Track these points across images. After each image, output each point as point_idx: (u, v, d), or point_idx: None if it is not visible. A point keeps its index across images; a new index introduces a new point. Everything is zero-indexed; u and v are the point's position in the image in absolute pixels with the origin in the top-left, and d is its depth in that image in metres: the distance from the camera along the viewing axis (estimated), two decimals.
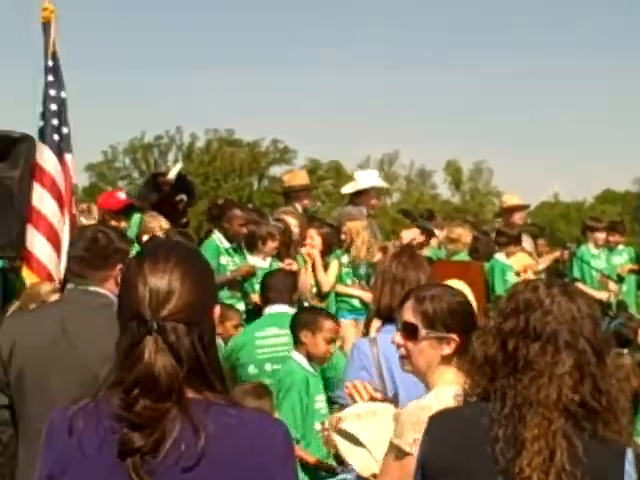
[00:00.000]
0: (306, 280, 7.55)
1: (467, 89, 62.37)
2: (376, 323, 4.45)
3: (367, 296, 7.60)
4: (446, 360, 3.06)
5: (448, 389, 2.83)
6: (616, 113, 63.44)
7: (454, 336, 3.07)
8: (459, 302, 3.16)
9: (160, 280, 1.98)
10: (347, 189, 9.45)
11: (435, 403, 2.81)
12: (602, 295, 9.64)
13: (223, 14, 66.13)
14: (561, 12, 63.85)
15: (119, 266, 3.73)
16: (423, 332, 3.07)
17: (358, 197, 8.98)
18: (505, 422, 2.23)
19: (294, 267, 7.43)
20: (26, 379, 3.50)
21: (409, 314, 3.12)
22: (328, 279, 7.77)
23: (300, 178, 9.29)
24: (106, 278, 3.73)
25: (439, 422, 2.36)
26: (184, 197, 8.18)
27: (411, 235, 8.86)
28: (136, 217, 7.59)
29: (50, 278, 6.05)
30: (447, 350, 3.06)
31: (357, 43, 65.62)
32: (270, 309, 6.05)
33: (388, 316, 4.00)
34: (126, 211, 7.42)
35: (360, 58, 63.94)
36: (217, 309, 2.09)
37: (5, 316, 4.75)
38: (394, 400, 3.61)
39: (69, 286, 3.97)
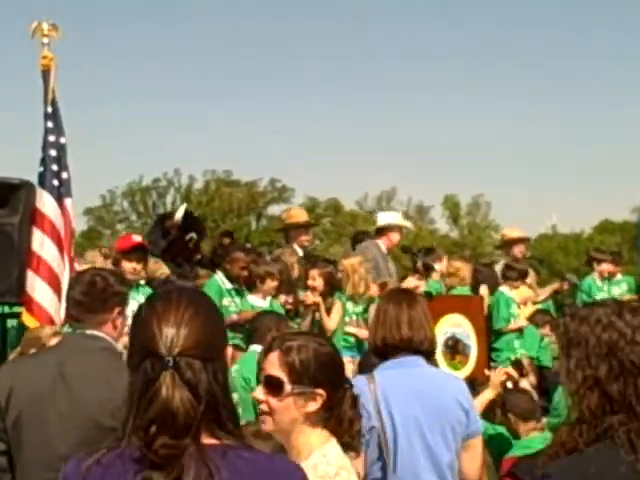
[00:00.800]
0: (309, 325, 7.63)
1: (464, 123, 62.78)
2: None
3: (363, 334, 7.64)
4: (310, 418, 2.79)
5: (332, 447, 2.72)
6: (613, 143, 63.77)
7: (321, 391, 2.78)
8: (327, 353, 2.86)
9: (173, 321, 2.02)
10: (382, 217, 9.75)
11: (323, 460, 2.70)
12: None
13: (223, 55, 66.65)
14: (555, 40, 64.31)
15: (117, 309, 3.77)
16: (288, 387, 2.76)
17: (380, 236, 9.23)
18: None
19: (309, 301, 7.55)
20: (24, 425, 3.49)
21: (273, 367, 2.80)
22: (332, 322, 7.77)
23: (300, 215, 9.37)
24: (104, 321, 3.75)
25: None
26: (194, 235, 8.25)
27: (414, 284, 8.86)
28: None
29: (52, 322, 6.07)
30: (313, 407, 2.78)
31: (353, 78, 66.02)
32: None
33: (380, 350, 4.02)
34: (137, 251, 7.45)
35: (355, 92, 64.42)
36: (229, 349, 2.12)
37: (5, 362, 4.76)
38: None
39: (67, 330, 4.00)
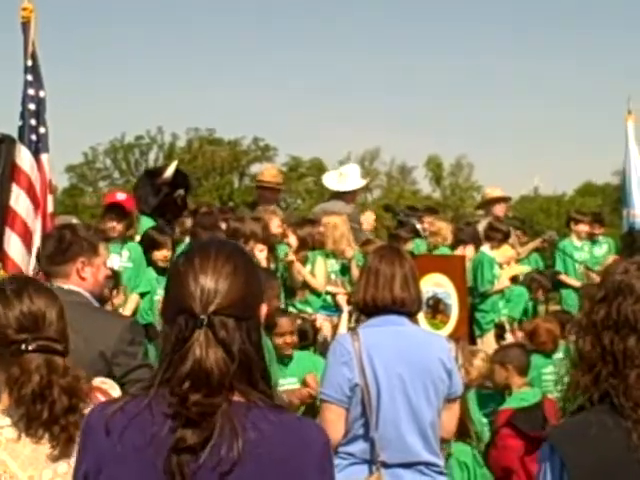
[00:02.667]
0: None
1: (448, 83, 62.61)
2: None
3: (341, 294, 7.65)
4: None
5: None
6: (596, 106, 63.78)
7: None
8: None
9: (210, 276, 1.99)
10: (332, 184, 9.46)
11: None
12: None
13: (206, 15, 65.94)
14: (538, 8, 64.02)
15: (80, 259, 3.74)
16: None
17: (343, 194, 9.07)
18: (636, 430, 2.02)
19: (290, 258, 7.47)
20: None
21: None
22: (319, 281, 7.76)
23: (270, 175, 9.39)
24: (67, 273, 3.73)
25: (572, 449, 2.08)
26: (182, 192, 8.18)
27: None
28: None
29: None
30: None
31: (337, 34, 65.58)
32: None
33: (368, 308, 4.02)
34: (114, 209, 7.42)
35: (341, 50, 64.04)
36: (264, 307, 2.09)
37: None
38: None
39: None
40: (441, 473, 3.96)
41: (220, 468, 1.89)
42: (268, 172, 9.67)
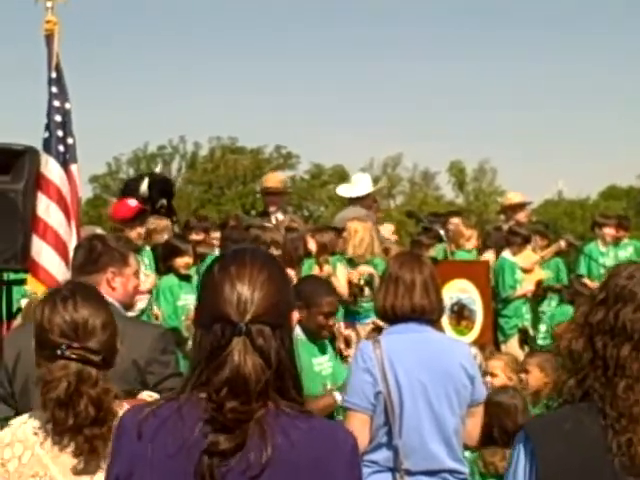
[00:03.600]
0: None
1: (469, 87, 62.46)
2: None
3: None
4: None
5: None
6: (620, 110, 63.43)
7: None
8: None
9: (247, 284, 2.02)
10: (343, 191, 9.46)
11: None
12: None
13: (228, 25, 66.21)
14: (566, 12, 63.75)
15: (110, 269, 3.78)
16: None
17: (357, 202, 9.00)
18: (616, 437, 2.00)
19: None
20: (30, 390, 3.48)
21: None
22: (342, 287, 7.78)
23: (274, 181, 9.44)
24: (97, 282, 3.73)
25: (544, 440, 2.08)
26: (164, 202, 8.11)
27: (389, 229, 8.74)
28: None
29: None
30: None
31: (356, 44, 65.61)
32: None
33: (388, 316, 4.02)
34: (138, 217, 7.42)
35: (362, 57, 64.04)
36: (295, 314, 2.12)
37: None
38: None
39: None
40: None
41: (249, 472, 1.91)
42: (271, 178, 9.76)
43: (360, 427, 3.74)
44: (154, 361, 3.58)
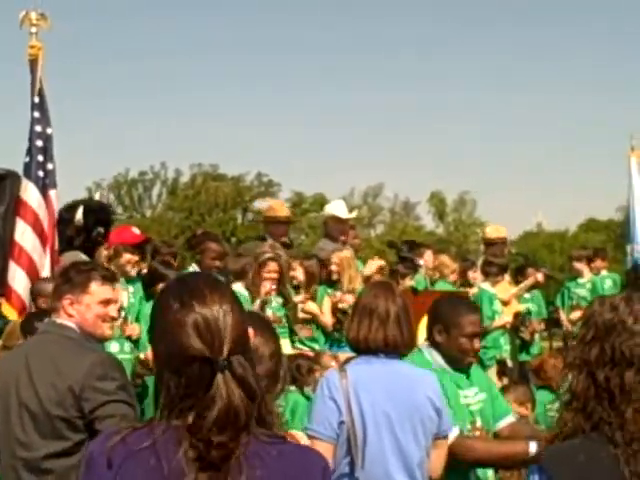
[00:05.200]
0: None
1: (449, 120, 62.86)
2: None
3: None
4: None
5: None
6: (600, 142, 63.98)
7: None
8: None
9: (213, 319, 1.94)
10: (333, 208, 9.37)
11: None
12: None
13: (209, 51, 66.50)
14: (549, 39, 64.40)
15: (66, 296, 3.85)
16: None
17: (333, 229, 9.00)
18: (628, 464, 2.03)
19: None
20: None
21: None
22: (327, 320, 7.82)
23: (280, 209, 9.35)
24: (56, 309, 3.87)
25: (560, 471, 2.11)
26: (100, 230, 8.01)
27: (376, 265, 8.76)
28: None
29: (25, 311, 6.07)
30: None
31: (339, 71, 66.04)
32: None
33: (360, 348, 3.99)
34: (141, 246, 7.45)
35: (343, 87, 64.42)
36: (252, 332, 2.07)
37: None
38: None
39: (45, 320, 4.16)
40: None
41: None
42: (278, 207, 9.63)
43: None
44: (89, 387, 3.56)
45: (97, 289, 3.89)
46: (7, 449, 3.63)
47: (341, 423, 3.75)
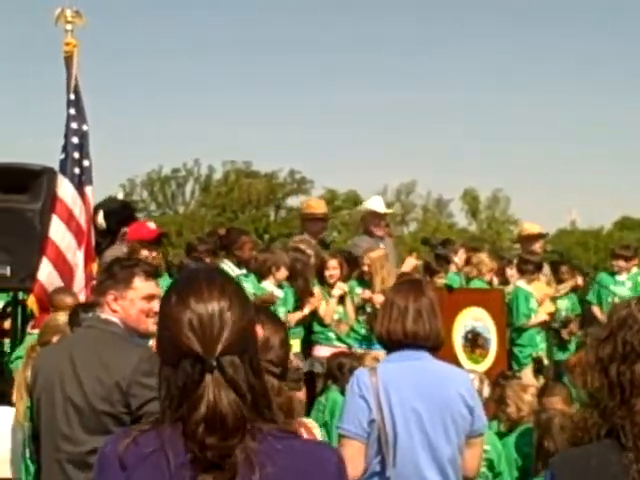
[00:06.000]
0: (331, 309, 7.74)
1: (484, 117, 62.54)
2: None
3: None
4: None
5: None
6: (631, 139, 63.32)
7: None
8: None
9: (209, 316, 1.91)
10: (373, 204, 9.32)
11: None
12: None
13: (241, 47, 66.65)
14: (583, 43, 63.88)
15: (110, 292, 3.86)
16: None
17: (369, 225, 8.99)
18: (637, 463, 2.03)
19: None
20: (42, 405, 3.76)
21: None
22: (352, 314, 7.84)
23: (318, 206, 9.33)
24: (100, 305, 3.90)
25: (571, 477, 2.12)
26: (126, 230, 8.02)
27: (411, 264, 8.76)
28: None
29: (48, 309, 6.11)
30: None
31: (371, 70, 65.90)
32: None
33: (383, 341, 4.01)
34: (158, 241, 7.45)
35: (377, 85, 64.28)
36: (260, 329, 2.05)
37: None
38: None
39: (89, 314, 4.19)
40: None
41: None
42: (316, 203, 9.61)
43: (354, 454, 3.69)
44: (136, 383, 3.57)
45: (140, 284, 3.89)
46: (51, 443, 3.67)
47: (371, 421, 3.74)
